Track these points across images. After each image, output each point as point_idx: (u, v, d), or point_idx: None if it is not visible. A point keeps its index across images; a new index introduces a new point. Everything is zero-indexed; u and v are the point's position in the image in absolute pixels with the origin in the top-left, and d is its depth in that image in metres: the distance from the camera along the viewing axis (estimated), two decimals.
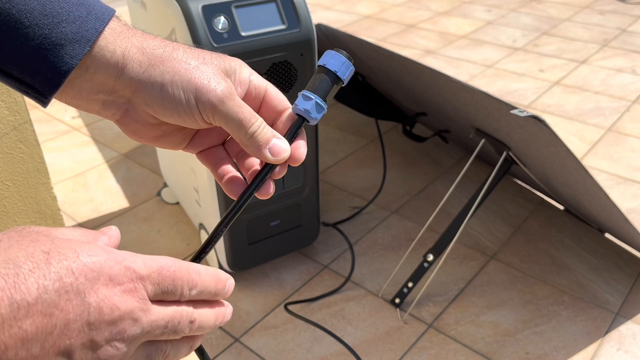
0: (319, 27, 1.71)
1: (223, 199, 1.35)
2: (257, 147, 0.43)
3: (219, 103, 0.41)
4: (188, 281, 0.33)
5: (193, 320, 0.34)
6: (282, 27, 1.23)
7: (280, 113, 0.46)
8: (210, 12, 1.17)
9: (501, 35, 3.23)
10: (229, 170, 0.47)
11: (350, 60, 0.47)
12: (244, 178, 0.47)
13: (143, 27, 0.46)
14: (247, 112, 0.43)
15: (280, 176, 0.46)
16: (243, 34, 1.19)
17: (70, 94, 0.42)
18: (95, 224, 1.77)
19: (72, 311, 0.28)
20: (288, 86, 1.28)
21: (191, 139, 0.48)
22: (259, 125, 0.43)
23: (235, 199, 0.46)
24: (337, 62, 0.46)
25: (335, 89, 0.47)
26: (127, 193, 1.91)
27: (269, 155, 0.43)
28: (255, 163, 0.47)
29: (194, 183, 1.47)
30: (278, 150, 0.43)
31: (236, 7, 1.19)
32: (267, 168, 0.45)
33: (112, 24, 0.41)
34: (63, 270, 0.29)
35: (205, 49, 0.45)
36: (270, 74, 1.24)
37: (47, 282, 0.28)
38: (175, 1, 1.18)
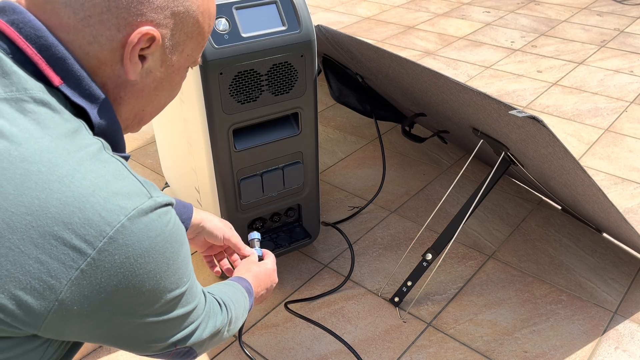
0: (319, 28, 1.72)
1: (224, 198, 1.36)
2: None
3: (232, 237, 1.10)
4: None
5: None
6: (283, 28, 1.24)
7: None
8: None
9: (500, 36, 3.24)
10: (225, 263, 1.12)
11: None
12: (231, 264, 1.12)
13: None
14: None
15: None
16: (244, 35, 1.20)
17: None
18: None
19: (264, 286, 1.02)
20: (289, 87, 1.29)
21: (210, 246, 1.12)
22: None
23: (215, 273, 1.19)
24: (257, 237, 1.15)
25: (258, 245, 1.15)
26: None
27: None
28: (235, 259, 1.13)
29: (195, 183, 1.48)
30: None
31: (237, 8, 1.20)
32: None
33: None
34: (264, 280, 1.02)
35: None
36: (270, 75, 1.25)
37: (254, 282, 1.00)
38: None
